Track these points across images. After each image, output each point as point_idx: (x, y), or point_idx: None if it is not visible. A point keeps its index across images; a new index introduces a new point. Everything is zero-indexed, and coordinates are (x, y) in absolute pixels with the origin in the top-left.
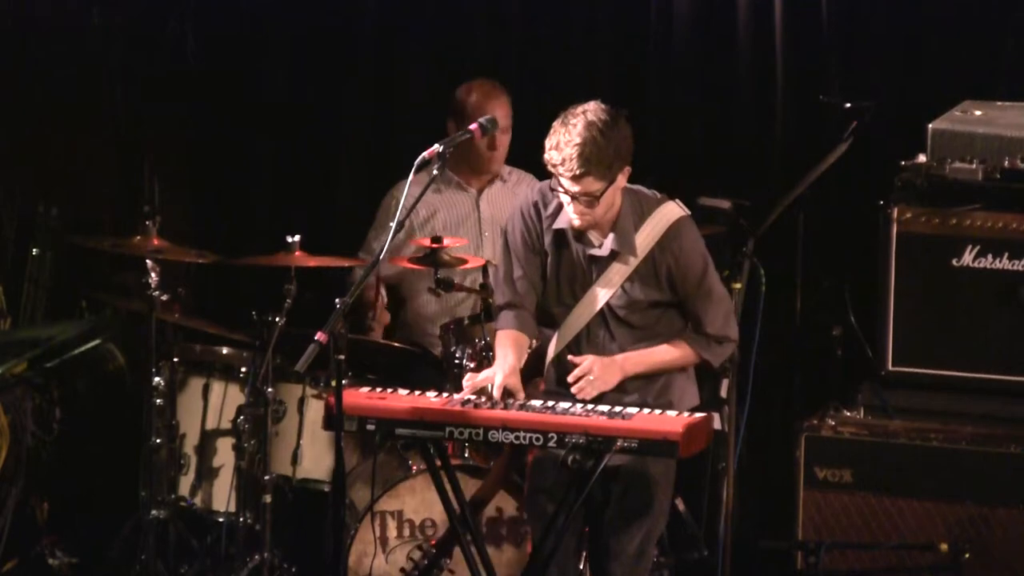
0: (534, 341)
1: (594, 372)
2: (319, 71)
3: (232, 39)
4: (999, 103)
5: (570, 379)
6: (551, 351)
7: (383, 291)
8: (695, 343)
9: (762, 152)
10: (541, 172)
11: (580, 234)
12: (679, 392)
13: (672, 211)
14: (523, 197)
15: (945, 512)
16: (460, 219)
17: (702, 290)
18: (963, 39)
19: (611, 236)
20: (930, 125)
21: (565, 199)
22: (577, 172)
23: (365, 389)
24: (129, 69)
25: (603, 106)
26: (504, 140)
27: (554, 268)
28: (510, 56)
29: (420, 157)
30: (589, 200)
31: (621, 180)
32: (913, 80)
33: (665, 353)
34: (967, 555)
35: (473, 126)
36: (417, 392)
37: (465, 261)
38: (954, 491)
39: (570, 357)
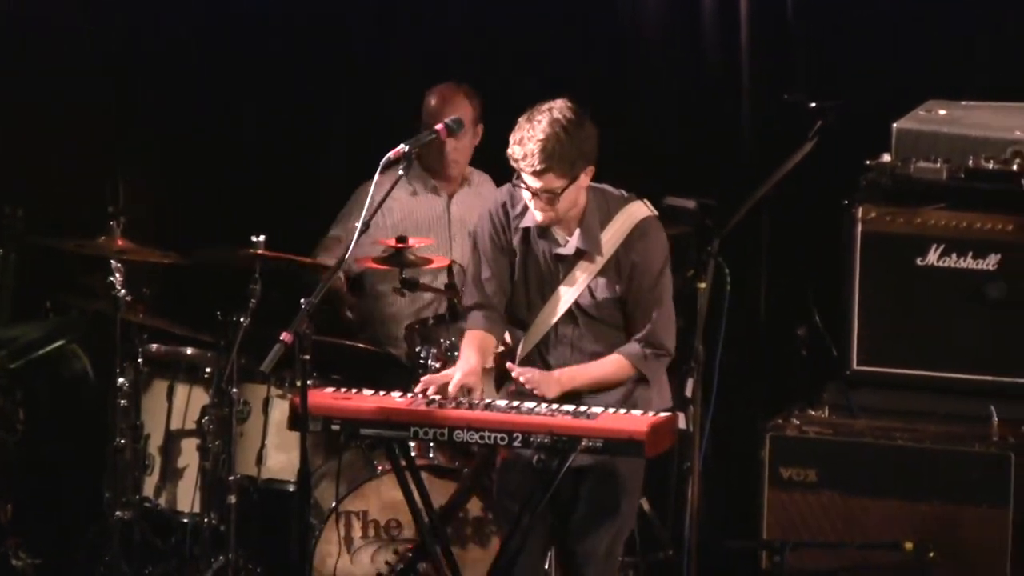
0: (502, 344)
1: (532, 382)
2: (289, 73)
3: (200, 40)
4: (964, 103)
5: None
6: (520, 353)
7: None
8: (633, 358)
9: (727, 152)
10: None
11: (546, 233)
12: (644, 400)
13: (639, 210)
14: (492, 198)
15: (910, 511)
16: (432, 221)
17: (654, 293)
18: (928, 39)
19: (577, 235)
20: (895, 125)
21: (527, 195)
22: (538, 168)
23: (330, 389)
24: (95, 69)
25: (569, 104)
26: (462, 143)
27: (522, 268)
28: (485, 61)
29: (386, 157)
30: (550, 197)
31: (584, 179)
32: (878, 79)
33: (601, 369)
34: (932, 554)
35: (439, 126)
36: (382, 392)
37: (430, 261)
38: (919, 490)
39: (514, 373)
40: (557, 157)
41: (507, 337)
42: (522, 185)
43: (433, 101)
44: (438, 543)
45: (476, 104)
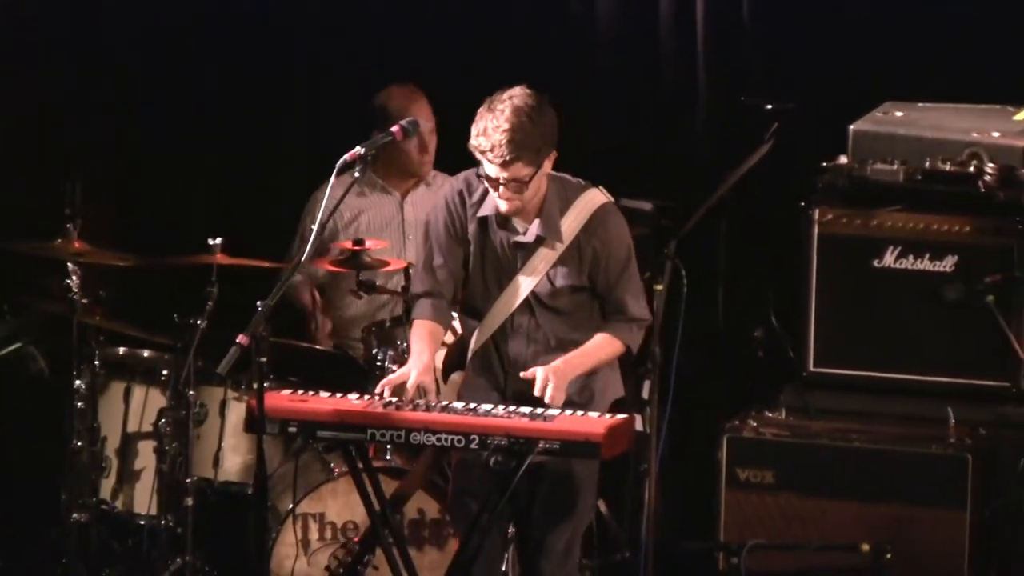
0: (450, 333)
1: (553, 380)
2: (244, 74)
3: (159, 42)
4: (920, 104)
5: (536, 393)
6: (474, 342)
7: (317, 296)
8: (619, 331)
9: (684, 154)
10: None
11: (505, 221)
12: (603, 383)
13: (597, 197)
14: (448, 186)
15: (867, 513)
16: (384, 222)
17: (625, 276)
18: (884, 40)
19: (536, 222)
20: (851, 126)
21: (491, 186)
22: (508, 158)
23: (287, 391)
24: (52, 71)
25: (528, 91)
26: (432, 144)
27: (478, 257)
28: (441, 63)
29: (342, 160)
30: (518, 186)
31: (547, 165)
32: (834, 81)
33: (599, 351)
34: (889, 555)
35: (395, 128)
36: (339, 394)
37: (387, 263)
38: (876, 492)
39: (523, 375)
40: (525, 146)
41: (458, 327)
42: (486, 176)
43: (395, 101)
44: (394, 543)
45: (426, 106)
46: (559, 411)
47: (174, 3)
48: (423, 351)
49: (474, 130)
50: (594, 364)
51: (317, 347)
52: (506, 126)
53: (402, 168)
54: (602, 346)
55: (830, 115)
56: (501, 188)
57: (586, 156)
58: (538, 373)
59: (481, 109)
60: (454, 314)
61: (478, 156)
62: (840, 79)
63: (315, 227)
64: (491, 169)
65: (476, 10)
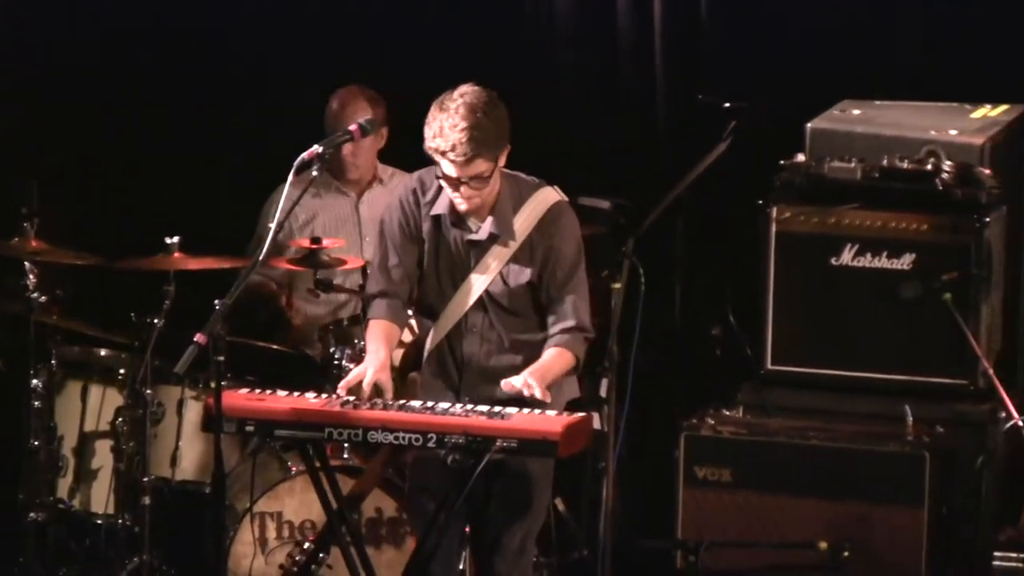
0: (408, 332)
1: (532, 384)
2: (200, 72)
3: (110, 38)
4: (877, 102)
5: (527, 395)
6: (429, 342)
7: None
8: (570, 343)
9: (642, 152)
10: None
11: (458, 220)
12: (557, 385)
13: (550, 195)
14: (402, 186)
15: (825, 510)
16: (340, 222)
17: (575, 279)
18: (842, 39)
19: (489, 220)
20: (809, 124)
21: (449, 185)
22: (469, 155)
23: (244, 390)
24: (6, 69)
25: (478, 87)
26: (362, 145)
27: (432, 256)
28: (395, 63)
29: (300, 158)
30: (479, 183)
31: (502, 160)
32: (792, 79)
33: (557, 363)
34: (847, 553)
35: (353, 127)
36: (296, 393)
37: (344, 262)
38: (833, 490)
39: (504, 383)
40: (484, 142)
41: (415, 326)
42: (444, 176)
43: (336, 104)
44: (351, 541)
45: (380, 107)
46: (516, 410)
47: (131, 2)
48: (379, 349)
49: (429, 131)
50: (555, 378)
51: (274, 346)
52: (463, 124)
53: (342, 169)
54: (559, 360)
55: (788, 113)
56: (462, 187)
57: (543, 154)
58: (515, 382)
59: (433, 109)
60: (410, 312)
61: (436, 157)
62: (798, 77)
63: (272, 226)
64: (451, 168)
65: (433, 8)
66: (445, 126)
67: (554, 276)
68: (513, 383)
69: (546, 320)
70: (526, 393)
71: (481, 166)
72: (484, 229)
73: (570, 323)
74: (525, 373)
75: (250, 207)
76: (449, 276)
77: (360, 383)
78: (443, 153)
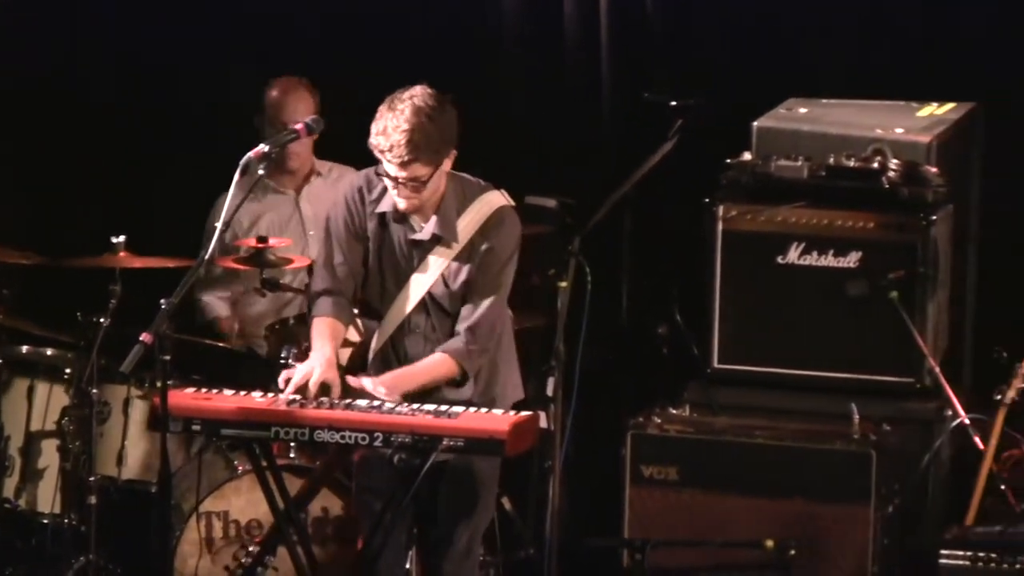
0: (353, 330)
1: (386, 384)
2: (144, 71)
3: (55, 37)
4: (824, 100)
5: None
6: (375, 343)
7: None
8: (458, 355)
9: (588, 150)
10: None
11: (402, 219)
12: (502, 386)
13: (496, 199)
14: (347, 183)
15: (771, 509)
16: (283, 222)
17: (491, 284)
18: (788, 37)
19: (433, 220)
20: (755, 123)
21: (390, 183)
22: (406, 158)
23: (191, 390)
24: None
25: (429, 90)
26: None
27: (376, 254)
28: (338, 52)
29: (246, 157)
30: (416, 185)
31: (447, 164)
32: (739, 78)
33: (430, 371)
34: (793, 551)
35: (299, 126)
36: (243, 392)
37: (291, 261)
38: (780, 488)
39: (349, 379)
40: (423, 146)
41: (360, 327)
42: (385, 174)
43: (275, 94)
44: (298, 541)
45: (317, 97)
46: (463, 409)
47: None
48: (324, 346)
49: (374, 128)
50: (423, 384)
51: (220, 344)
52: (405, 126)
53: (277, 164)
54: (435, 367)
55: (734, 112)
56: (400, 187)
57: (490, 152)
58: (366, 383)
59: (382, 107)
60: (356, 310)
61: (377, 155)
62: (744, 75)
63: (218, 226)
64: (390, 168)
65: (381, 6)
66: (389, 126)
67: (480, 274)
68: (363, 383)
69: None
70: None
71: (419, 170)
72: (427, 229)
73: (470, 323)
74: (388, 375)
75: (196, 206)
76: (392, 276)
77: (307, 383)
78: (382, 152)
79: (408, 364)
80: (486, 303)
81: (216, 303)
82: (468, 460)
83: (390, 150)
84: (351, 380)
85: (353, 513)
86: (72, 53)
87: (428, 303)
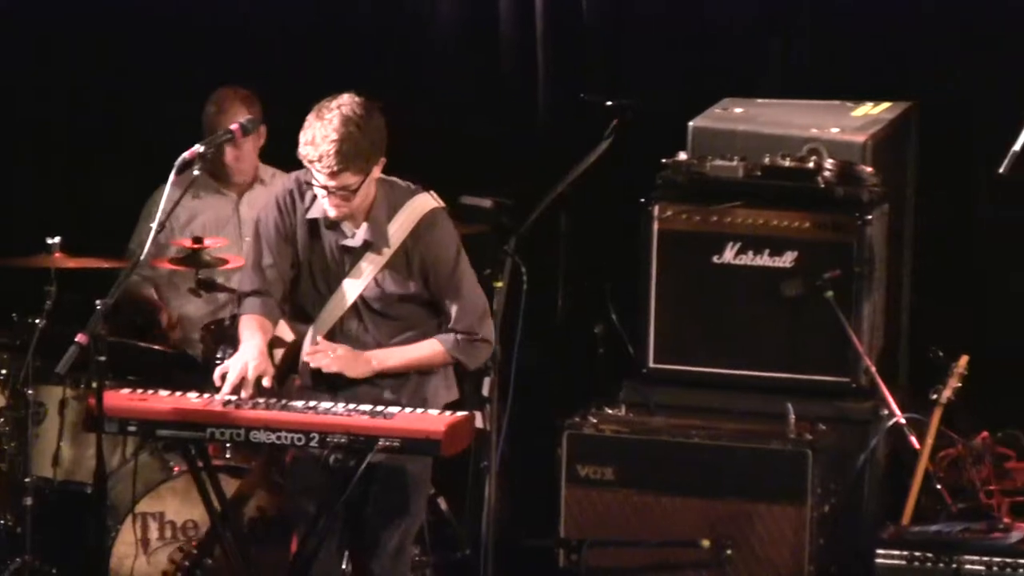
0: (285, 329)
1: (339, 351)
2: (80, 72)
3: None
4: (759, 100)
5: (312, 349)
6: (307, 346)
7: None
8: (447, 343)
9: (524, 150)
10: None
11: (333, 224)
12: (433, 390)
13: (426, 202)
14: (279, 186)
15: (707, 508)
16: (220, 223)
17: (452, 284)
18: (724, 37)
19: (364, 226)
20: (691, 123)
21: (320, 192)
22: (335, 168)
23: (126, 391)
24: None
25: (357, 99)
26: (244, 147)
27: (307, 259)
28: (277, 57)
29: (181, 158)
30: (346, 194)
31: (376, 171)
32: (674, 78)
33: (418, 352)
34: (729, 551)
35: (234, 126)
36: (178, 393)
37: (226, 261)
38: (716, 487)
39: (319, 339)
40: (353, 156)
41: (288, 333)
42: (316, 183)
43: (213, 106)
44: (234, 542)
45: (256, 107)
46: (399, 409)
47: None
48: (253, 338)
49: (302, 138)
50: (407, 365)
51: (156, 346)
52: (334, 136)
53: (223, 171)
54: (420, 349)
55: (670, 112)
56: (330, 196)
57: (426, 153)
58: (339, 348)
59: (310, 116)
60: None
61: (307, 164)
62: (680, 76)
63: (154, 226)
64: (320, 177)
65: (316, 6)
66: (317, 136)
67: (437, 284)
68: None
69: (424, 328)
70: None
71: (349, 179)
72: (359, 236)
73: (451, 325)
74: (370, 353)
75: (131, 207)
76: (323, 280)
77: (243, 379)
78: (311, 162)
79: None
80: (456, 303)
81: (143, 283)
82: (400, 461)
83: (319, 160)
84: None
85: (288, 514)
86: (4, 56)
87: (360, 307)
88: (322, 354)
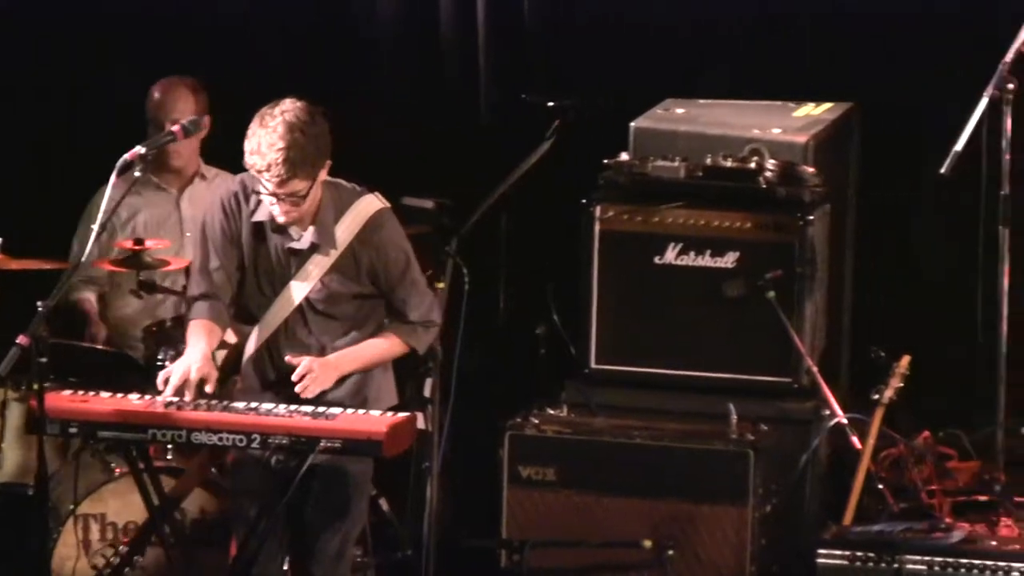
0: (229, 332)
1: (314, 370)
2: (20, 70)
3: None
4: (701, 101)
5: (294, 378)
6: (250, 347)
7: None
8: (400, 331)
9: (466, 151)
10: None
11: (279, 227)
12: (375, 390)
13: (372, 203)
14: (224, 188)
15: (649, 509)
16: (161, 220)
17: (407, 281)
18: (665, 38)
19: (311, 229)
20: (632, 123)
21: (269, 199)
22: (284, 176)
23: (67, 392)
24: None
25: (299, 104)
26: (187, 139)
27: (252, 261)
28: (217, 56)
29: (122, 159)
30: (295, 200)
31: (323, 175)
32: (616, 78)
33: (375, 348)
34: (671, 552)
35: (175, 128)
36: (120, 395)
37: (167, 263)
38: (658, 488)
39: (288, 358)
40: (300, 162)
41: (232, 334)
42: (264, 190)
43: (157, 95)
44: (175, 542)
45: (202, 97)
46: (340, 410)
47: None
48: (199, 342)
49: (248, 147)
50: (366, 363)
51: (98, 347)
52: (281, 144)
53: (160, 162)
54: (377, 345)
55: (612, 112)
56: (279, 203)
57: (367, 154)
58: (303, 361)
59: (253, 124)
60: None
61: (255, 174)
62: (622, 76)
63: (95, 227)
64: (268, 186)
65: (258, 6)
66: (263, 144)
67: (387, 283)
68: (302, 361)
69: (370, 328)
70: (295, 376)
71: (298, 185)
72: (306, 238)
73: (403, 317)
74: (332, 355)
75: (73, 208)
76: (269, 282)
77: (186, 382)
78: (259, 171)
79: (284, 371)
80: (408, 300)
81: (84, 286)
82: (340, 462)
83: (268, 169)
84: (289, 359)
85: (229, 515)
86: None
87: (305, 309)
88: (310, 380)
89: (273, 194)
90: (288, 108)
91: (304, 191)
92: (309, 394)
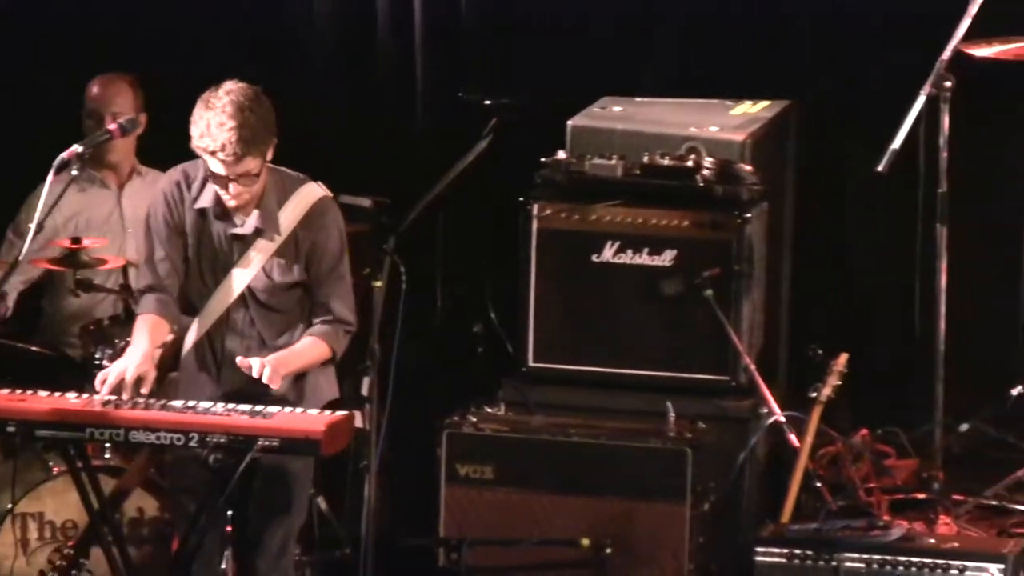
0: (174, 328)
1: (268, 366)
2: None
3: None
4: (638, 99)
5: (256, 374)
6: (191, 337)
7: (9, 303)
8: (327, 336)
9: (403, 149)
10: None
11: (223, 213)
12: (313, 384)
13: (315, 190)
14: (165, 179)
15: (587, 507)
16: (103, 218)
17: (336, 273)
18: (603, 36)
19: (255, 214)
20: (569, 121)
21: (219, 183)
22: (239, 154)
23: (4, 391)
24: None
25: (242, 84)
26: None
27: (195, 249)
28: (153, 52)
29: (59, 158)
30: (249, 179)
31: (270, 154)
32: (553, 76)
33: (309, 352)
34: (609, 550)
35: (112, 126)
36: (57, 394)
37: (105, 261)
38: (596, 486)
39: (239, 360)
40: (251, 140)
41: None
42: (213, 175)
43: (95, 90)
44: (113, 541)
45: (139, 93)
46: (278, 408)
47: None
48: (140, 341)
49: (195, 130)
50: (303, 365)
51: (34, 347)
52: (232, 123)
53: (96, 158)
54: (311, 348)
55: (549, 111)
56: (231, 184)
57: (304, 152)
58: (254, 363)
59: (198, 107)
60: None
61: (205, 156)
62: (559, 74)
63: (33, 226)
64: (220, 167)
65: (196, 4)
66: (212, 124)
67: (317, 271)
68: (250, 362)
69: (309, 319)
70: (255, 374)
71: (250, 164)
72: (249, 223)
73: (327, 317)
74: (270, 357)
75: (10, 206)
76: (211, 270)
77: (122, 380)
78: (212, 152)
79: (224, 360)
80: (332, 292)
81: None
82: (282, 459)
83: (222, 149)
84: (240, 361)
85: (169, 514)
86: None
87: (248, 298)
88: (271, 372)
89: (225, 176)
90: (232, 88)
91: (256, 170)
92: (277, 383)
